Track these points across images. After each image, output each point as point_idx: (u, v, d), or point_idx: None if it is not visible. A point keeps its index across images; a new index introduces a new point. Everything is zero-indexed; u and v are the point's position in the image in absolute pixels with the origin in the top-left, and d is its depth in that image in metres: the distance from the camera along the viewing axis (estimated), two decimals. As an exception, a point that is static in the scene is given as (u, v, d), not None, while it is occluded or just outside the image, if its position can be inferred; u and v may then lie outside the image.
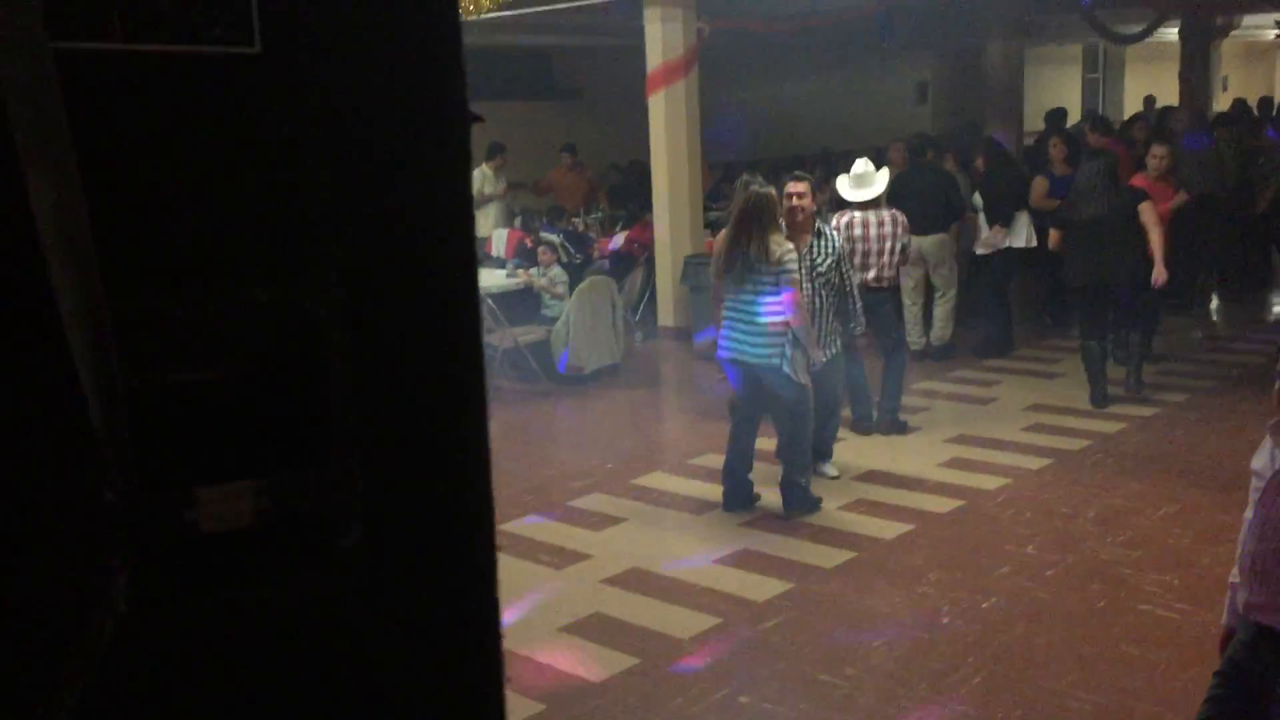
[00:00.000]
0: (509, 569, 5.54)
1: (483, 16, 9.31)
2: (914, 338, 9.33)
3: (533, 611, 5.10)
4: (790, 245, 5.80)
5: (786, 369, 5.76)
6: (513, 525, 6.15)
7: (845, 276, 6.32)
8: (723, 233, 6.06)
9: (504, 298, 9.16)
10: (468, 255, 0.87)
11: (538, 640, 4.79)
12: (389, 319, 0.85)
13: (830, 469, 6.62)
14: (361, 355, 0.84)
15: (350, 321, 0.83)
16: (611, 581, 5.39)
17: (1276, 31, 17.80)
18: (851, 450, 7.11)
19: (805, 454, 6.07)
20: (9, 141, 0.66)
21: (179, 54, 0.76)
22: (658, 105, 10.22)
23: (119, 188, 0.76)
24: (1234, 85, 23.66)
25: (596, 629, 4.89)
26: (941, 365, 9.08)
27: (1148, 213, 7.43)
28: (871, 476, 6.67)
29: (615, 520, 6.18)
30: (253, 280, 0.81)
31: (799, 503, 6.02)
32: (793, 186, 6.19)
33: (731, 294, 5.87)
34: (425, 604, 0.88)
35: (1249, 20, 20.46)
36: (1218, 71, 20.78)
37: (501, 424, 8.24)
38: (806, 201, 6.19)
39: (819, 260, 6.19)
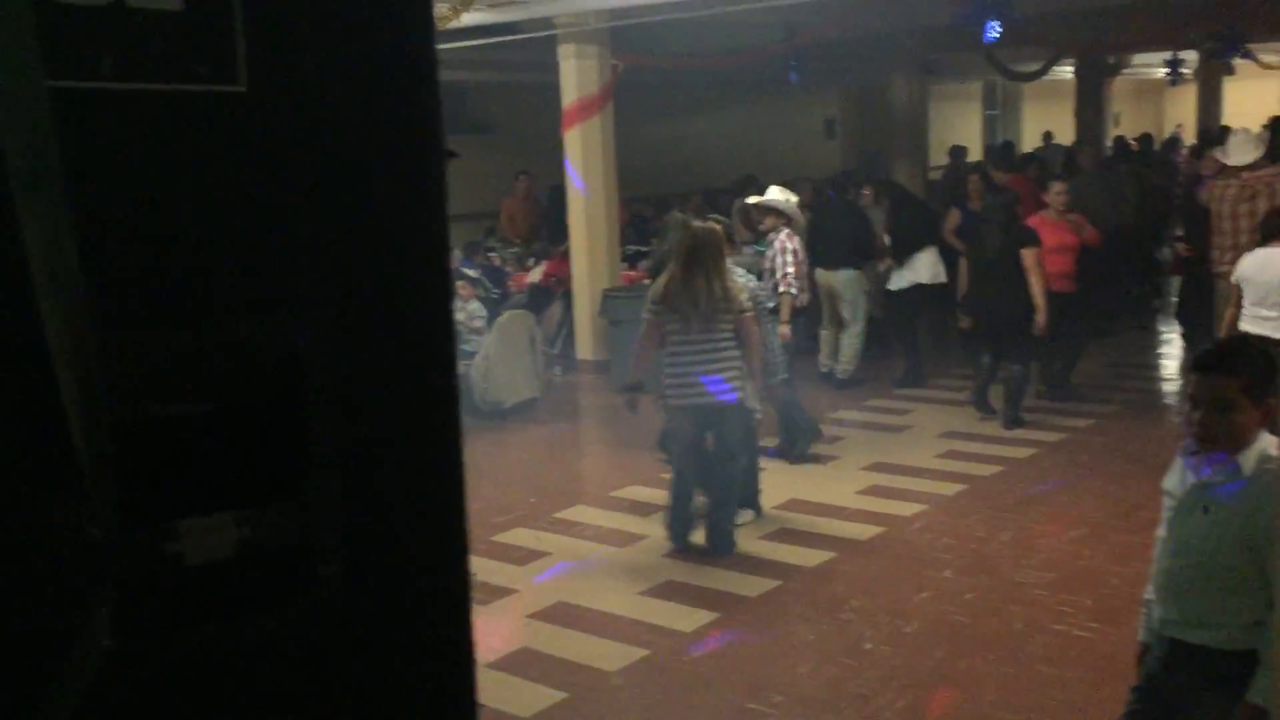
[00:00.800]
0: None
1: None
2: (823, 362, 9.53)
3: (459, 648, 5.05)
4: (743, 281, 5.87)
5: (750, 403, 5.85)
6: (436, 562, 6.09)
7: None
8: (668, 272, 5.84)
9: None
10: (444, 288, 0.89)
11: (465, 677, 4.74)
12: (369, 351, 0.87)
13: (745, 515, 6.39)
14: (342, 387, 0.86)
15: (331, 354, 0.85)
16: (537, 616, 5.37)
17: (1165, 70, 18.57)
18: (772, 479, 7.19)
19: (735, 498, 6.10)
20: (3, 178, 0.67)
21: (167, 92, 0.78)
22: (574, 140, 10.30)
23: (106, 223, 0.77)
24: (1125, 121, 24.60)
25: (524, 664, 4.87)
26: (857, 395, 9.24)
27: (1028, 257, 7.71)
28: (793, 505, 6.75)
29: (540, 554, 6.16)
30: (236, 314, 0.82)
31: (725, 546, 5.99)
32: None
33: (686, 335, 5.70)
34: (405, 631, 0.89)
35: (1139, 59, 21.34)
36: (1110, 108, 21.60)
37: (421, 460, 8.17)
38: None
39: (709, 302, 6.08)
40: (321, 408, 0.85)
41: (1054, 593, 5.29)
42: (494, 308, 10.59)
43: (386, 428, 0.88)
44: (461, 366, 8.84)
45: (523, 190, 13.31)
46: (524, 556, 6.13)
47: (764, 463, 7.46)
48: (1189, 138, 21.34)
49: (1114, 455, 7.34)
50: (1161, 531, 2.89)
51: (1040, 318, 7.66)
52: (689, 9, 9.50)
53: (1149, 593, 3.00)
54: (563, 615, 5.36)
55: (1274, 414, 2.69)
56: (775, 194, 7.64)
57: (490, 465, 8.13)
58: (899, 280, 9.46)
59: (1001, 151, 14.62)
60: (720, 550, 5.96)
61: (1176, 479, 2.86)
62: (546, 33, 10.08)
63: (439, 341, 0.90)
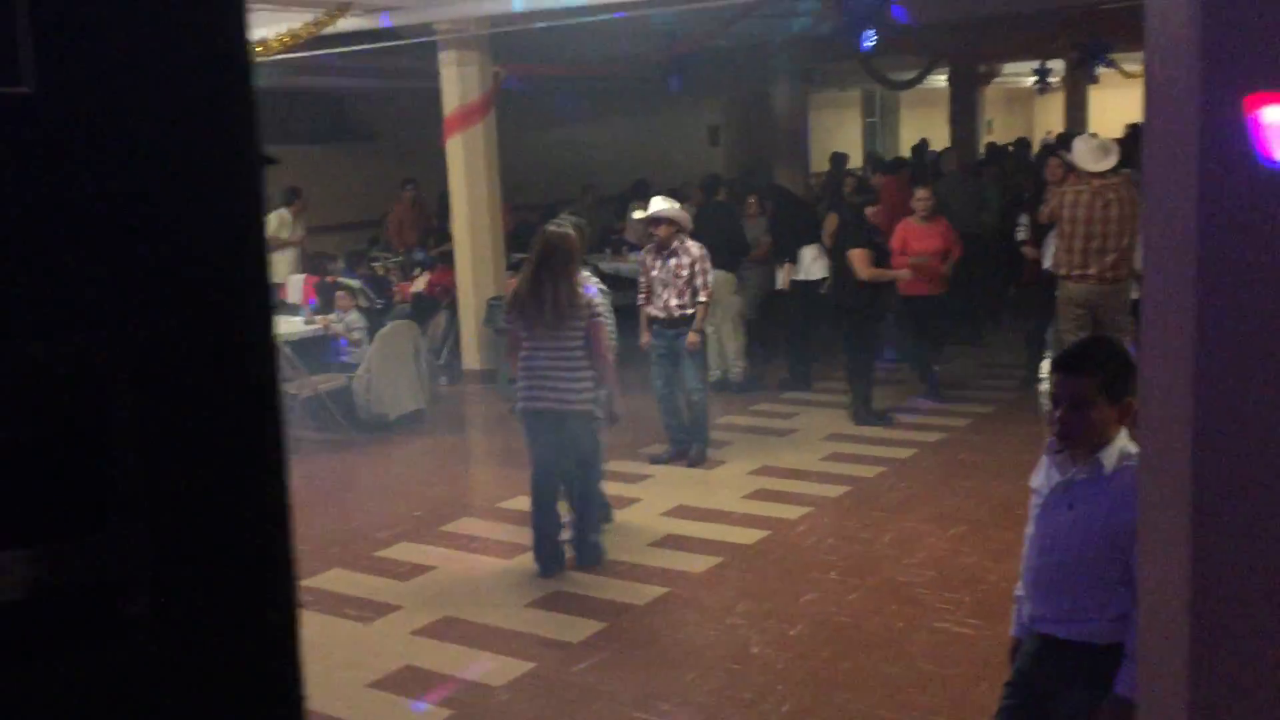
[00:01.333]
0: (314, 625, 5.35)
1: (272, 58, 9.09)
2: (714, 371, 9.61)
3: (340, 668, 4.92)
4: (595, 286, 5.85)
5: (598, 413, 5.78)
6: (317, 579, 5.93)
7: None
8: (519, 275, 5.90)
9: (302, 345, 8.89)
10: (263, 302, 0.84)
11: (346, 698, 4.62)
12: (178, 373, 0.81)
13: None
14: (149, 412, 0.80)
15: (136, 377, 0.79)
16: (422, 632, 5.26)
17: (1034, 79, 19.18)
18: (659, 485, 7.20)
19: (596, 508, 6.04)
20: None
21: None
22: (456, 148, 10.18)
23: None
24: (997, 128, 25.36)
25: (408, 682, 4.76)
26: (743, 399, 9.31)
27: (854, 258, 8.13)
28: (680, 511, 6.76)
29: (424, 569, 6.05)
30: (26, 334, 0.76)
31: (593, 557, 5.92)
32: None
33: (537, 340, 5.67)
34: (222, 672, 0.83)
35: (1009, 68, 22.01)
36: (983, 115, 22.21)
37: (303, 475, 7.97)
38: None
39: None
40: (125, 435, 0.79)
41: (935, 591, 5.38)
42: (378, 318, 10.41)
43: (200, 456, 0.82)
44: (343, 379, 8.74)
45: (409, 199, 13.13)
46: (408, 572, 6.01)
47: (650, 469, 7.50)
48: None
49: (991, 454, 7.53)
50: (1030, 529, 2.95)
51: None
52: (569, 17, 9.47)
53: (1019, 589, 3.06)
54: (447, 630, 5.26)
55: (1132, 412, 2.76)
56: (660, 204, 7.65)
57: (374, 479, 7.97)
58: (782, 279, 9.64)
59: (878, 159, 14.91)
60: (588, 562, 5.88)
61: (1042, 477, 2.92)
62: (427, 39, 9.95)
63: (259, 360, 0.85)
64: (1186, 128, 2.18)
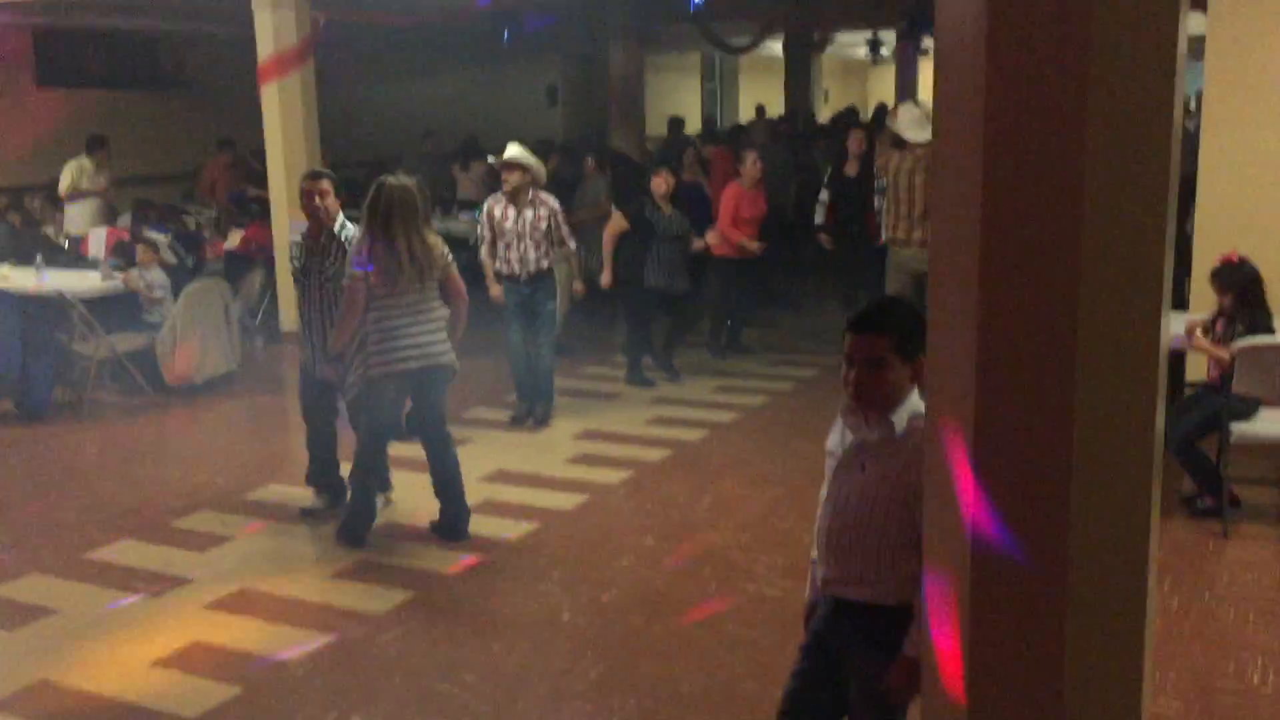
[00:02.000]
0: (97, 601, 5.00)
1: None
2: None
3: (122, 645, 4.60)
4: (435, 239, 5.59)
5: (455, 364, 5.62)
6: (104, 551, 5.57)
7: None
8: (366, 233, 5.40)
9: (100, 303, 8.33)
10: None
11: (126, 678, 4.32)
12: None
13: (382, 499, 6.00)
14: None
15: None
16: (215, 606, 4.97)
17: (866, 50, 19.55)
18: (481, 451, 7.01)
19: (458, 469, 5.72)
20: None
21: None
22: (271, 97, 9.70)
23: None
24: (833, 98, 25.80)
25: (195, 660, 4.48)
26: (573, 362, 9.18)
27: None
28: (500, 476, 6.59)
29: (223, 539, 5.73)
30: None
31: (463, 530, 5.66)
32: (313, 184, 5.72)
33: (393, 297, 5.35)
34: None
35: (843, 38, 22.37)
36: (819, 85, 22.55)
37: (98, 442, 7.49)
38: (330, 200, 5.73)
39: (329, 264, 5.66)
40: None
41: (749, 554, 5.37)
42: (190, 276, 9.87)
43: None
44: (146, 339, 8.24)
45: (225, 162, 12.45)
46: (205, 542, 5.68)
47: (470, 433, 7.30)
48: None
49: (811, 416, 7.58)
50: (824, 491, 2.90)
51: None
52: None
53: (814, 552, 3.01)
54: (243, 604, 4.98)
55: (924, 372, 2.73)
56: (515, 149, 7.38)
57: (177, 446, 7.55)
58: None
59: (710, 129, 14.93)
60: (459, 536, 5.60)
61: (836, 439, 2.87)
62: (239, -20, 9.42)
63: None
64: (974, 98, 2.12)
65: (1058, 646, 2.18)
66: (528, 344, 7.48)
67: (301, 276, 5.80)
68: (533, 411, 7.57)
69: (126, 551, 5.58)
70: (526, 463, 6.81)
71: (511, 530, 5.74)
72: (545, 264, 7.34)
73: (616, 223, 8.20)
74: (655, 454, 6.90)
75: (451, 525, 5.65)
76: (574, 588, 5.06)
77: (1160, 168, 2.00)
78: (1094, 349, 2.06)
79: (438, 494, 5.68)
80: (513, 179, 7.27)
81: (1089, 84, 1.90)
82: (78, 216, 11.00)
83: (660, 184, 8.14)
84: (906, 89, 21.71)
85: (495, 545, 5.56)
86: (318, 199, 5.70)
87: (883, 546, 2.73)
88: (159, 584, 5.19)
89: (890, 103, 20.69)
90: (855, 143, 9.60)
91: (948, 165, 2.24)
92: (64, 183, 10.99)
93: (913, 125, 7.65)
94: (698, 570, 5.20)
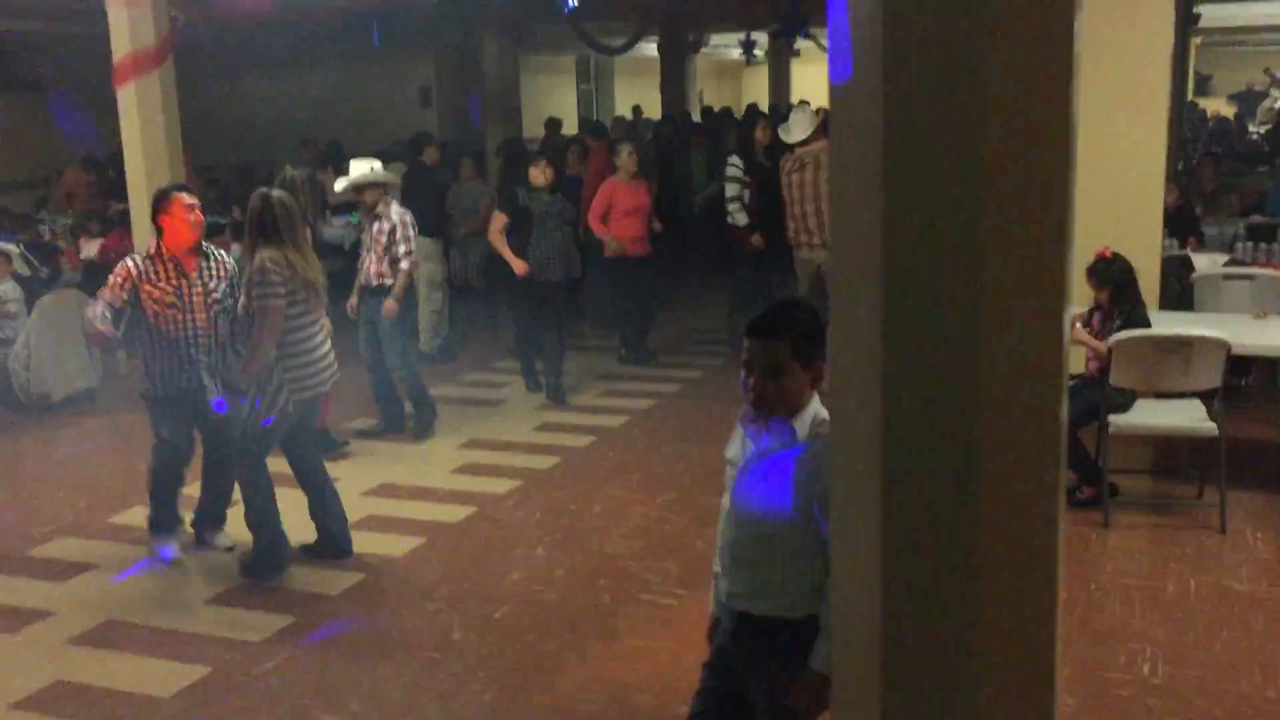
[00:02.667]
0: (-56, 642, 4.64)
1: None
2: (425, 341, 9.25)
3: (-24, 690, 4.28)
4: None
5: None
6: (-46, 587, 5.18)
7: (238, 303, 5.33)
8: (273, 249, 5.01)
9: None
10: None
11: (-21, 726, 4.01)
12: None
13: (226, 537, 5.61)
14: None
15: None
16: (79, 641, 4.66)
17: (739, 51, 19.67)
18: (363, 462, 6.78)
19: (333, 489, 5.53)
20: None
21: None
22: (128, 99, 9.21)
23: None
24: (708, 98, 25.94)
25: (59, 700, 4.19)
26: (454, 369, 8.97)
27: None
28: (382, 490, 6.36)
29: (86, 567, 5.40)
30: None
31: (345, 548, 5.44)
32: (190, 199, 5.30)
33: (311, 318, 5.14)
34: None
35: (717, 40, 22.51)
36: (694, 86, 22.61)
37: (-55, 466, 7.01)
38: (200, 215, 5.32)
39: (212, 286, 5.29)
40: None
41: (642, 561, 5.27)
42: (45, 287, 9.36)
43: None
44: (-2, 355, 7.76)
45: (86, 179, 11.84)
46: (66, 570, 5.35)
47: (356, 446, 7.06)
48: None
49: (699, 419, 7.54)
50: (725, 501, 2.81)
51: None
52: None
53: (716, 565, 2.92)
54: (111, 637, 4.68)
55: (822, 375, 2.66)
56: (359, 167, 7.12)
57: (34, 467, 7.12)
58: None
59: (594, 125, 14.80)
60: (347, 551, 5.39)
61: (737, 447, 2.78)
62: (90, -24, 8.94)
63: None
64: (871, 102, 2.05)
65: (970, 655, 2.13)
66: (374, 357, 7.21)
67: (176, 300, 5.23)
68: (400, 426, 7.32)
69: (-21, 585, 5.22)
70: (410, 475, 6.60)
71: (397, 546, 5.53)
72: (386, 280, 6.95)
73: (498, 221, 7.94)
74: (543, 462, 6.76)
75: (335, 542, 5.40)
76: (463, 604, 4.89)
77: (1060, 158, 1.96)
78: (999, 343, 2.01)
79: (316, 514, 5.41)
80: (368, 197, 7.07)
81: (990, 70, 1.85)
82: (-81, 226, 10.35)
83: (538, 175, 7.85)
84: (780, 91, 21.96)
85: (380, 563, 5.36)
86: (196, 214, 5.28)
87: (787, 557, 2.65)
88: (17, 618, 4.86)
89: (763, 103, 20.92)
90: (764, 132, 9.16)
91: (846, 159, 2.16)
92: None
93: (797, 125, 7.68)
94: (591, 581, 5.08)
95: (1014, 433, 2.08)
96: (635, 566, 5.22)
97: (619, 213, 8.57)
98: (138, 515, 6.02)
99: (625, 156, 8.63)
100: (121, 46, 9.06)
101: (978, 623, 2.15)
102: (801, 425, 2.63)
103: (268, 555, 5.22)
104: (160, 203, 5.24)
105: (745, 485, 2.71)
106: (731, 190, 8.91)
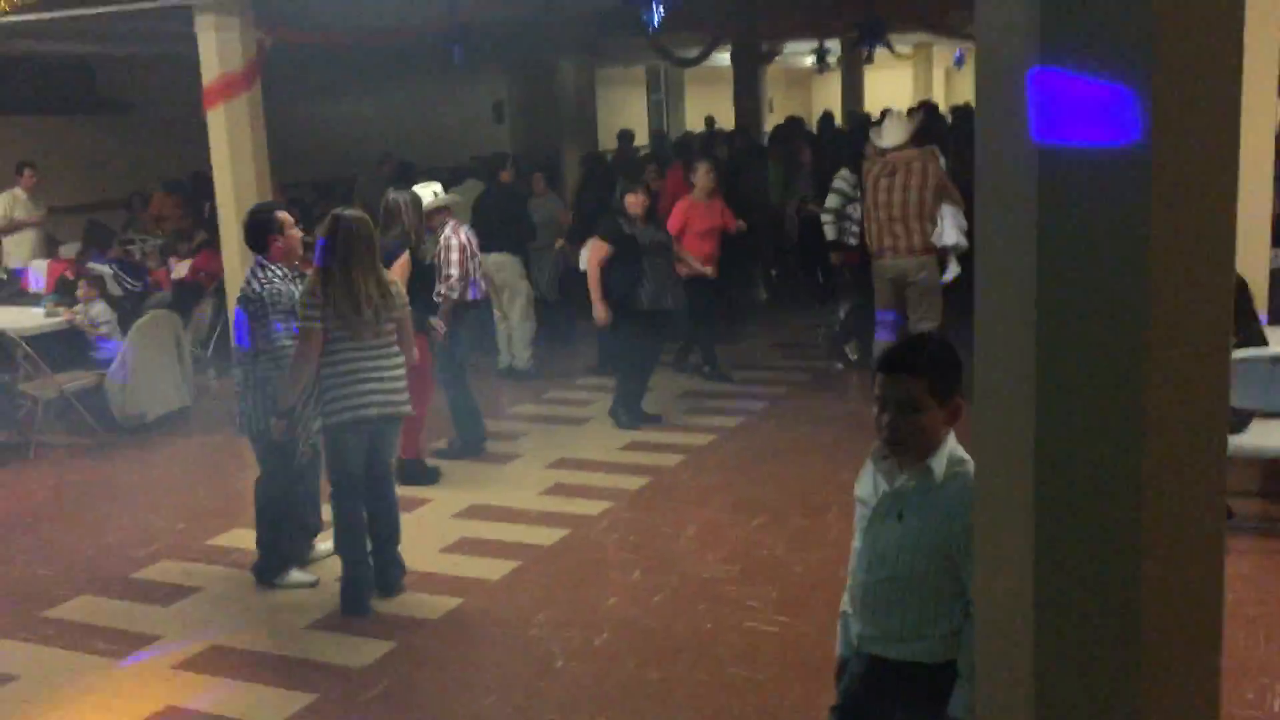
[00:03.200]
0: (56, 663, 4.71)
1: (2, 19, 8.09)
2: (502, 358, 9.28)
3: (88, 714, 4.33)
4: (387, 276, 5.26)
5: (412, 413, 5.32)
6: (61, 609, 5.27)
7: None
8: (318, 271, 5.02)
9: (45, 340, 8.00)
10: None
11: (94, 752, 4.05)
12: None
13: (308, 575, 5.54)
14: None
15: None
16: (185, 665, 4.70)
17: (812, 59, 19.53)
18: (451, 484, 6.78)
19: (399, 524, 5.39)
20: None
21: None
22: (218, 121, 9.36)
23: None
24: (778, 107, 25.81)
25: (168, 727, 4.22)
26: (535, 387, 8.97)
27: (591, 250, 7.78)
28: (473, 512, 6.36)
29: (188, 591, 5.45)
30: None
31: (400, 581, 5.31)
32: (290, 217, 5.42)
33: (352, 341, 5.01)
34: None
35: (790, 48, 22.38)
36: (765, 95, 22.51)
37: (47, 487, 7.17)
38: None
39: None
40: None
41: (740, 587, 5.20)
42: (135, 305, 9.54)
43: None
44: (95, 377, 7.91)
45: (176, 201, 12.03)
46: (169, 595, 5.41)
47: (444, 467, 7.06)
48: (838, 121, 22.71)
49: (787, 438, 7.44)
50: (856, 542, 2.73)
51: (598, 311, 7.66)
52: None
53: (845, 604, 2.84)
54: (216, 662, 4.72)
55: (960, 413, 2.58)
56: (423, 193, 7.06)
57: (131, 488, 7.23)
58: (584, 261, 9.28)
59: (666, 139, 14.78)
60: (397, 588, 5.28)
61: (869, 486, 2.70)
62: (181, 2, 9.09)
63: None
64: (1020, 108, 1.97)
65: (1133, 697, 2.03)
66: (442, 376, 7.12)
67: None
68: (472, 445, 7.32)
69: (85, 608, 5.29)
70: (500, 497, 6.58)
71: (492, 570, 5.52)
72: (436, 300, 6.91)
73: (598, 249, 7.66)
74: (632, 482, 6.71)
75: (384, 579, 5.28)
76: (563, 631, 4.86)
77: (1228, 177, 1.87)
78: (1163, 371, 1.92)
79: (374, 548, 5.26)
80: (433, 221, 7.10)
81: (1156, 82, 1.76)
82: (15, 249, 10.60)
83: (635, 204, 7.69)
84: (853, 98, 21.76)
85: (478, 587, 5.34)
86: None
87: (924, 601, 2.57)
88: (123, 643, 4.91)
89: (836, 110, 20.72)
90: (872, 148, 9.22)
91: (992, 181, 2.08)
92: None
93: (890, 132, 7.55)
94: (690, 607, 5.01)
95: (1178, 465, 1.98)
96: (734, 592, 5.15)
97: (693, 233, 8.42)
98: (236, 537, 6.10)
99: (703, 174, 8.52)
100: (211, 69, 9.21)
101: (1139, 675, 2.05)
102: (939, 464, 2.54)
103: (346, 590, 5.19)
104: (269, 224, 5.32)
105: (879, 526, 2.63)
106: (832, 202, 8.73)
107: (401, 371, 5.18)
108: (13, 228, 10.67)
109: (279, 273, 5.30)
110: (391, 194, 6.69)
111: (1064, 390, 1.98)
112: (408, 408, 5.25)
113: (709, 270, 8.51)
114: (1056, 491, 2.03)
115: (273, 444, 5.28)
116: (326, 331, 4.97)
